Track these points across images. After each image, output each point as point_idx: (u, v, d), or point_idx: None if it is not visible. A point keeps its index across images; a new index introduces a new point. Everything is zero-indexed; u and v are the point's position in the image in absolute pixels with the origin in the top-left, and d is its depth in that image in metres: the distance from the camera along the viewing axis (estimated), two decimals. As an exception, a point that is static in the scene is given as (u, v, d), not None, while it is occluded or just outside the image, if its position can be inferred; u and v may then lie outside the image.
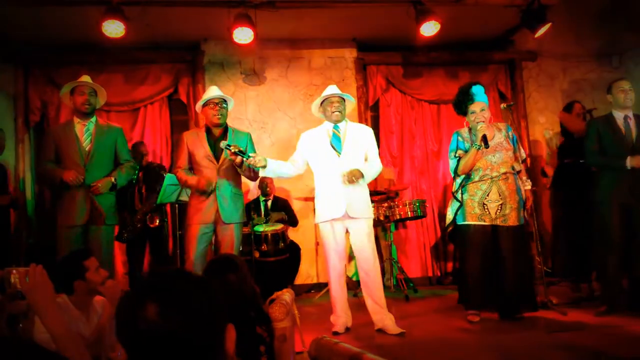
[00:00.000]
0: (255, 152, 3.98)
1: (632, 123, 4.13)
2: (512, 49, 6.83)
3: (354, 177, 3.78)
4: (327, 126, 4.05)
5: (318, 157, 3.99)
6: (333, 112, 3.97)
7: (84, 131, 4.09)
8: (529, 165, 5.13)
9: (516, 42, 6.77)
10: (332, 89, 4.03)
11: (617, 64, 6.88)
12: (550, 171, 5.82)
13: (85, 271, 2.46)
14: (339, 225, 3.92)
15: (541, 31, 5.55)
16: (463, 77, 6.56)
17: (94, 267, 2.49)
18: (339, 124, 4.02)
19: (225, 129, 4.06)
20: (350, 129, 4.05)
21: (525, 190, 4.09)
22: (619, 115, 4.17)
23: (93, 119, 4.16)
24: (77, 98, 4.08)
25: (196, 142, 3.98)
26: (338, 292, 3.94)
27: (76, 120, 4.13)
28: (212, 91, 4.03)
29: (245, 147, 3.94)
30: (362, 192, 3.96)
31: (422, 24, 5.30)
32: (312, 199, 6.13)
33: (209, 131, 4.03)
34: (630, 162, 3.96)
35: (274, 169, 3.90)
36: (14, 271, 1.96)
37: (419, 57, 6.59)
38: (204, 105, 4.00)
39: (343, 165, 3.87)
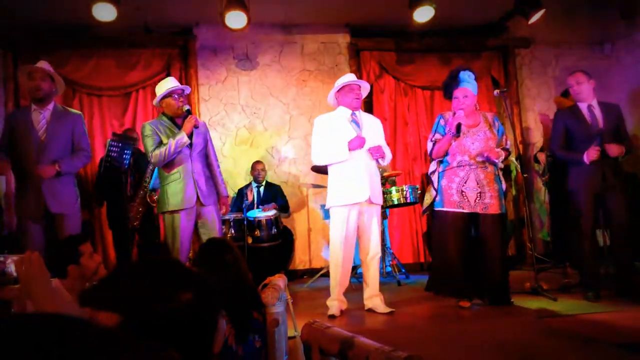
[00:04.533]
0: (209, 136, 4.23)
1: (597, 111, 4.15)
2: (506, 35, 6.82)
3: (377, 152, 3.92)
4: (344, 112, 4.08)
5: (339, 141, 3.97)
6: (354, 99, 4.03)
7: (40, 119, 3.93)
8: (515, 155, 5.12)
9: (510, 28, 6.76)
10: (351, 76, 4.14)
11: (609, 52, 6.90)
12: (542, 157, 5.85)
13: (80, 256, 2.46)
14: (355, 211, 3.95)
15: (535, 18, 5.53)
16: (456, 63, 6.52)
17: (88, 253, 2.49)
18: (356, 111, 4.09)
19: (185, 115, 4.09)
20: (365, 117, 4.16)
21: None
22: (582, 106, 4.20)
23: (50, 106, 3.99)
24: (30, 83, 3.92)
25: (167, 133, 3.93)
26: (343, 278, 3.97)
27: (33, 107, 3.97)
28: (172, 82, 4.03)
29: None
30: (379, 178, 4.12)
31: (416, 10, 5.28)
32: (303, 186, 6.18)
33: (172, 120, 4.00)
34: (587, 157, 4.01)
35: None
36: (9, 258, 1.95)
37: (412, 44, 6.57)
38: (165, 97, 3.98)
39: (365, 150, 3.95)
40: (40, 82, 3.91)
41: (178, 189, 3.87)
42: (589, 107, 4.18)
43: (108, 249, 5.76)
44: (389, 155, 4.11)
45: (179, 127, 3.94)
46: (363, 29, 6.46)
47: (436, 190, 4.09)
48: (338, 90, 4.11)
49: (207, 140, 4.15)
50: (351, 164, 3.94)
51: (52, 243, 3.86)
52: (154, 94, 6.10)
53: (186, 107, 3.94)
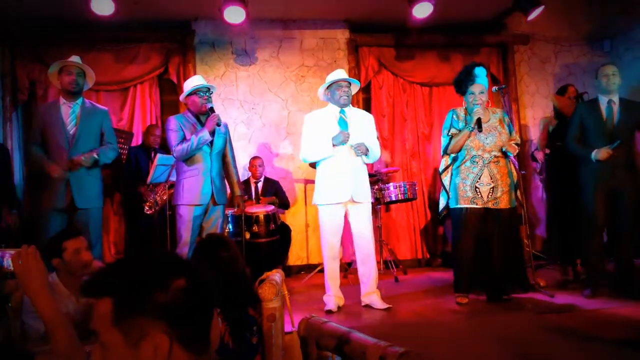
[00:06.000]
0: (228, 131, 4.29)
1: (615, 108, 4.14)
2: (505, 32, 6.80)
3: (360, 149, 3.90)
4: (333, 109, 4.11)
5: (325, 138, 4.00)
6: (341, 96, 4.05)
7: (70, 113, 4.03)
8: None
9: (509, 25, 6.74)
10: (340, 73, 4.12)
11: (608, 48, 6.89)
12: (540, 155, 5.84)
13: (63, 251, 2.45)
14: (340, 209, 3.99)
15: (534, 14, 5.53)
16: (455, 59, 6.54)
17: (72, 249, 2.47)
18: (345, 108, 4.09)
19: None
20: (355, 114, 4.16)
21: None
22: (603, 100, 4.19)
23: (79, 101, 4.10)
24: (65, 78, 4.02)
25: (191, 129, 4.01)
26: (333, 273, 4.02)
27: (62, 101, 4.07)
28: (199, 80, 4.10)
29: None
30: (365, 176, 4.11)
31: (415, 5, 5.27)
32: (301, 181, 6.18)
33: (197, 117, 4.08)
34: (595, 155, 4.02)
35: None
36: (6, 252, 1.94)
37: (411, 39, 6.54)
38: (191, 94, 4.04)
39: (350, 148, 3.95)
40: (76, 77, 4.05)
41: (195, 185, 3.95)
42: (610, 101, 4.17)
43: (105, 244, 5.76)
44: (375, 152, 4.09)
45: (203, 125, 4.02)
46: (362, 24, 6.43)
47: (447, 190, 4.10)
48: (327, 87, 4.13)
49: (226, 142, 4.22)
50: (336, 163, 3.97)
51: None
52: (152, 89, 6.14)
53: (209, 106, 4.01)
